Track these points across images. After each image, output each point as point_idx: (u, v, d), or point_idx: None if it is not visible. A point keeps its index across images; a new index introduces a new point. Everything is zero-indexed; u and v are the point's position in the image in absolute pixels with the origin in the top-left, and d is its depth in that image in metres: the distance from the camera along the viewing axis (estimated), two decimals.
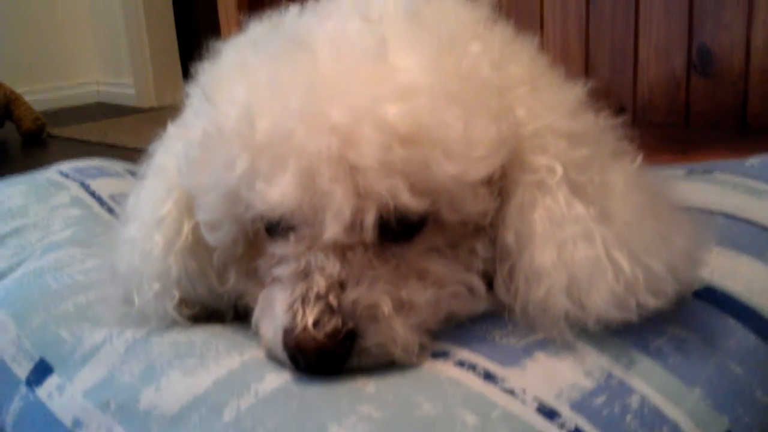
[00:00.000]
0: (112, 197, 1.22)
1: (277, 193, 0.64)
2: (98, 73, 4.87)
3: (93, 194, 1.22)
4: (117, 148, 3.46)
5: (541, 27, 2.12)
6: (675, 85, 1.95)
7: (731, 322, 0.73)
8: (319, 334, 0.63)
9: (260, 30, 0.77)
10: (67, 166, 1.33)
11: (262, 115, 0.65)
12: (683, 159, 1.54)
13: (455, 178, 0.65)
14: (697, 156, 1.59)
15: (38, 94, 4.38)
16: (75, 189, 1.23)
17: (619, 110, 1.98)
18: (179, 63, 4.58)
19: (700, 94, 1.92)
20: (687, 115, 1.94)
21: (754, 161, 1.13)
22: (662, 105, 1.97)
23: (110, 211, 1.18)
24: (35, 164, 1.36)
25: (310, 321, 0.63)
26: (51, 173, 1.29)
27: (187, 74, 0.85)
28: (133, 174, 1.32)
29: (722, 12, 1.85)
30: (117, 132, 3.83)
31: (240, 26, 0.81)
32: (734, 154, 1.30)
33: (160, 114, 4.21)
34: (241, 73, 0.70)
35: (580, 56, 2.07)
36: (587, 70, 2.06)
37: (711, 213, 0.93)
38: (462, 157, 0.64)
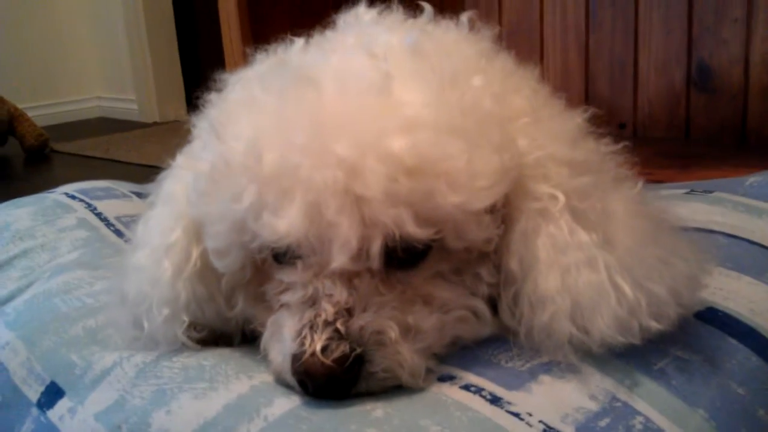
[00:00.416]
0: (119, 219, 1.24)
1: (284, 225, 0.65)
2: (101, 88, 4.90)
3: (99, 216, 1.24)
4: (120, 163, 3.48)
5: (542, 46, 2.13)
6: (675, 100, 1.96)
7: (733, 342, 0.74)
8: (327, 360, 0.64)
9: (267, 64, 0.79)
10: (72, 187, 1.34)
11: (269, 148, 0.66)
12: (683, 173, 1.56)
13: (459, 207, 0.66)
14: (697, 171, 1.61)
15: (41, 110, 4.41)
16: (82, 211, 1.24)
17: (620, 126, 2.00)
18: (181, 78, 4.60)
19: (699, 109, 1.93)
20: (687, 130, 1.96)
21: (754, 180, 1.14)
22: (662, 120, 1.99)
23: (117, 232, 1.19)
24: (39, 180, 1.38)
25: (318, 347, 0.64)
26: (57, 195, 1.31)
27: (189, 89, 0.86)
28: (139, 195, 1.34)
29: (721, 29, 1.87)
30: (120, 147, 3.85)
31: (243, 39, 0.83)
32: (734, 169, 1.31)
33: (163, 129, 4.24)
34: (249, 108, 0.72)
35: (580, 73, 2.09)
36: (587, 86, 2.07)
37: (712, 233, 0.95)
38: (466, 188, 0.66)
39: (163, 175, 0.85)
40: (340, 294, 0.66)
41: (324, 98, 0.67)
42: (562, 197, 0.70)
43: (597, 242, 0.69)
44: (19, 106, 3.84)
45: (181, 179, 0.79)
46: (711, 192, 1.12)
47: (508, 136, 0.70)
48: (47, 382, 0.82)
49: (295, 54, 0.77)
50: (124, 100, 4.73)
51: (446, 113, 0.66)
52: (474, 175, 0.66)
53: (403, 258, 0.69)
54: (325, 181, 0.64)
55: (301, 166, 0.64)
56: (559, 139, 0.73)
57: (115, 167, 3.32)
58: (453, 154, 0.65)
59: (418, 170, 0.64)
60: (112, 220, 1.22)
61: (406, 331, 0.68)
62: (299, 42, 0.79)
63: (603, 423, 0.63)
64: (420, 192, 0.64)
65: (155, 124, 4.51)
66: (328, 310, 0.66)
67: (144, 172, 0.89)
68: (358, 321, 0.66)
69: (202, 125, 0.78)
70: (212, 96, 0.80)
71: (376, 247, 0.66)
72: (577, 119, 0.77)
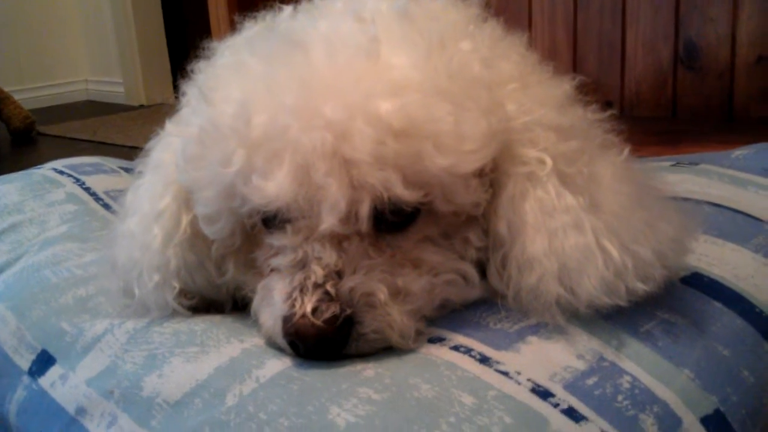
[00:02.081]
0: (108, 193, 1.23)
1: (273, 188, 0.66)
2: (88, 71, 4.87)
3: (88, 190, 1.24)
4: (107, 145, 3.47)
5: (530, 23, 2.14)
6: (662, 79, 1.97)
7: (718, 306, 0.75)
8: (318, 321, 0.64)
9: (255, 30, 0.79)
10: (61, 163, 1.34)
11: (258, 112, 0.67)
12: (671, 151, 1.57)
13: (447, 170, 0.67)
14: (685, 148, 1.62)
15: (28, 93, 4.38)
16: (70, 185, 1.24)
17: (607, 105, 2.00)
18: (168, 61, 4.58)
19: (686, 87, 1.94)
20: (674, 108, 1.97)
21: (740, 153, 1.16)
22: (649, 99, 2.00)
23: (106, 207, 1.19)
24: (25, 162, 1.37)
25: (308, 308, 0.65)
26: (45, 170, 1.30)
27: (176, 72, 0.86)
28: (127, 171, 1.34)
29: (708, 7, 1.88)
30: (106, 130, 3.83)
31: (231, 24, 0.83)
32: (721, 146, 1.32)
33: (150, 112, 4.22)
34: (237, 72, 0.72)
35: (568, 51, 2.09)
36: (575, 65, 2.08)
37: (698, 202, 0.95)
38: (453, 151, 0.66)
39: (152, 143, 0.85)
40: (330, 257, 0.67)
41: (312, 61, 0.67)
42: (549, 161, 0.71)
43: (584, 206, 0.70)
44: (6, 89, 3.81)
45: (170, 146, 0.80)
46: (697, 164, 1.13)
47: (496, 100, 0.71)
48: (38, 350, 0.82)
49: (284, 20, 0.77)
50: (111, 83, 4.71)
51: (434, 76, 0.67)
52: (461, 138, 0.66)
53: (391, 221, 0.69)
54: (313, 143, 0.64)
55: (290, 128, 0.65)
56: (547, 105, 0.74)
57: (101, 149, 3.31)
58: (440, 116, 0.65)
59: (405, 133, 0.64)
60: (101, 195, 1.22)
61: (396, 293, 0.68)
62: (287, 9, 0.79)
63: (590, 381, 0.64)
64: (408, 154, 0.65)
65: (142, 107, 4.49)
66: (317, 272, 0.66)
67: (131, 154, 0.89)
68: (348, 283, 0.66)
69: (190, 91, 0.78)
70: (200, 63, 0.80)
71: (364, 209, 0.66)
72: (565, 86, 0.78)
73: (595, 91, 0.76)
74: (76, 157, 1.39)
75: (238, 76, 0.71)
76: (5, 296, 0.93)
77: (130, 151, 0.88)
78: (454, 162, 0.66)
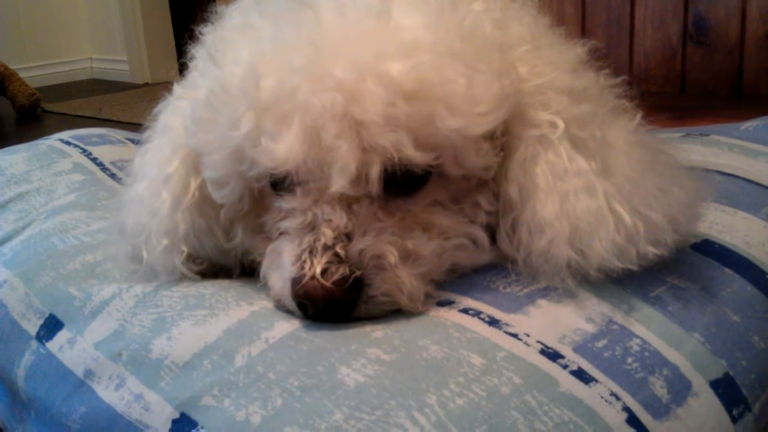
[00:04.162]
0: (114, 164, 1.23)
1: (283, 150, 0.65)
2: (92, 49, 4.85)
3: (95, 161, 1.23)
4: (111, 122, 3.46)
5: None
6: (671, 54, 1.96)
7: (729, 272, 0.75)
8: (327, 282, 0.64)
9: None
10: (68, 134, 1.33)
11: (267, 73, 0.66)
12: (680, 126, 1.56)
13: (458, 132, 0.66)
14: (693, 123, 1.61)
15: (33, 71, 4.37)
16: (77, 156, 1.24)
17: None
18: (173, 39, 4.56)
19: (695, 63, 1.93)
20: (683, 83, 1.96)
21: (750, 125, 1.15)
22: (658, 74, 1.98)
23: (112, 176, 1.19)
24: (30, 139, 1.37)
25: (318, 270, 0.64)
26: (52, 141, 1.30)
27: (181, 50, 0.85)
28: (134, 142, 1.33)
29: None
30: (111, 107, 3.82)
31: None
32: (729, 121, 1.31)
33: (155, 90, 4.20)
34: (246, 34, 0.71)
35: (576, 26, 2.08)
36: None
37: (708, 171, 0.95)
38: (465, 112, 0.66)
39: (160, 107, 0.84)
40: (340, 219, 0.66)
41: (322, 22, 0.66)
42: (561, 124, 0.70)
43: (596, 169, 0.69)
44: (11, 66, 3.80)
45: (179, 110, 0.79)
46: (707, 135, 1.12)
47: (508, 62, 0.70)
48: (46, 315, 0.82)
49: None
50: (116, 61, 4.69)
51: (446, 37, 0.66)
52: (473, 99, 0.66)
53: (402, 185, 0.69)
54: (323, 104, 0.63)
55: (300, 89, 0.64)
56: (559, 67, 0.73)
57: (106, 126, 3.28)
58: (452, 78, 0.65)
59: (416, 94, 0.64)
60: (108, 165, 1.22)
61: (406, 256, 0.68)
62: None
63: (600, 344, 0.63)
64: (419, 116, 0.64)
65: (147, 84, 4.48)
66: (327, 234, 0.66)
67: (135, 131, 0.88)
68: (358, 245, 0.66)
69: (198, 54, 0.78)
70: (208, 26, 0.79)
71: (375, 171, 0.66)
72: (577, 49, 0.77)
73: (604, 66, 0.75)
74: (84, 128, 1.39)
75: (247, 38, 0.70)
76: (13, 263, 0.93)
77: (135, 128, 0.88)
78: (466, 124, 0.66)
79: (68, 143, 1.28)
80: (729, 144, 1.07)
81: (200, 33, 0.79)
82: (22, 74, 3.86)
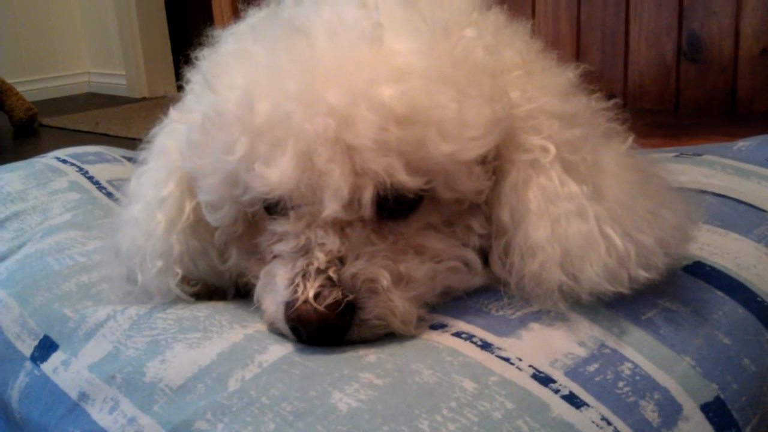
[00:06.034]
0: (111, 182, 1.24)
1: (276, 175, 0.66)
2: (90, 63, 4.87)
3: (91, 179, 1.24)
4: (109, 137, 3.46)
5: (533, 14, 2.13)
6: (665, 72, 1.97)
7: (720, 295, 0.75)
8: (320, 306, 0.64)
9: (259, 17, 0.79)
10: (64, 152, 1.34)
11: (261, 98, 0.67)
12: (674, 145, 1.56)
13: (450, 157, 0.67)
14: (687, 141, 1.62)
15: (31, 86, 4.38)
16: (73, 174, 1.24)
17: (609, 97, 2.00)
18: (171, 53, 4.58)
19: (689, 80, 1.94)
20: (677, 101, 1.96)
21: (742, 145, 1.16)
22: (652, 92, 1.99)
23: (109, 195, 1.19)
24: (27, 153, 1.37)
25: (311, 294, 0.65)
26: (48, 159, 1.30)
27: (178, 65, 0.86)
28: (130, 160, 1.34)
29: (712, 0, 1.88)
30: (108, 122, 3.83)
31: (233, 15, 0.82)
32: (724, 139, 1.32)
33: (152, 104, 4.22)
34: (241, 59, 0.72)
35: (571, 43, 2.09)
36: (578, 57, 2.08)
37: (700, 192, 0.95)
38: (456, 137, 0.66)
39: (156, 130, 0.85)
40: (333, 243, 0.67)
41: (316, 48, 0.67)
42: (552, 149, 0.71)
43: (587, 193, 0.70)
44: (8, 80, 3.82)
45: (174, 133, 0.80)
46: (700, 155, 1.13)
47: (500, 87, 0.71)
48: (40, 336, 0.82)
49: (288, 7, 0.77)
50: (113, 75, 4.70)
51: (437, 63, 0.67)
52: (465, 124, 0.66)
53: (394, 208, 0.69)
54: (316, 129, 0.64)
55: (293, 114, 0.65)
56: (551, 92, 0.74)
57: (103, 141, 3.28)
58: (444, 103, 0.65)
59: (408, 119, 0.64)
60: (104, 184, 1.22)
61: (398, 279, 0.68)
62: None
63: (591, 368, 0.64)
64: (411, 141, 0.65)
65: (144, 99, 4.49)
66: (320, 258, 0.66)
67: (133, 146, 0.89)
68: (351, 269, 0.66)
69: (194, 78, 0.78)
70: (204, 51, 0.80)
71: (367, 195, 0.66)
72: (568, 74, 0.77)
73: (598, 82, 0.76)
74: (81, 146, 1.39)
75: (242, 63, 0.71)
76: (8, 283, 0.93)
77: (132, 143, 0.88)
78: (457, 149, 0.66)
79: (64, 161, 1.29)
80: (722, 164, 1.07)
81: (196, 57, 0.80)
82: (19, 88, 3.87)
